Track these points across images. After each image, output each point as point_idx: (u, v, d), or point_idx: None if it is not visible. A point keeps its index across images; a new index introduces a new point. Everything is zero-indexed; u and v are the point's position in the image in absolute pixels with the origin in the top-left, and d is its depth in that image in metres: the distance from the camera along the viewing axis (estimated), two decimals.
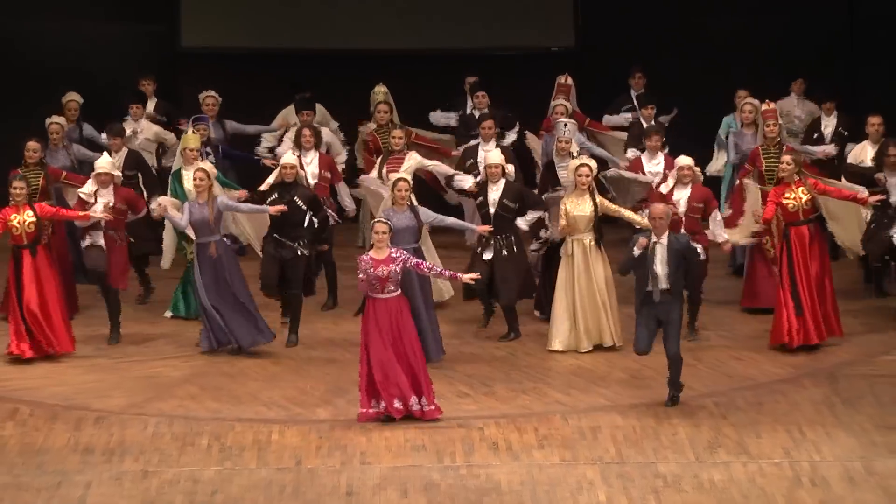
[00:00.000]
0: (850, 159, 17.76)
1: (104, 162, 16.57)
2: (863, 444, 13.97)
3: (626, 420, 14.45)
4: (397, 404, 14.18)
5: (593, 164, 16.32)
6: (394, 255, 14.20)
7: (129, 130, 18.90)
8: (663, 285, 14.28)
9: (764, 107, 17.85)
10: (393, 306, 14.24)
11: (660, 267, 14.27)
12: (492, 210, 16.51)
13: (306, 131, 18.00)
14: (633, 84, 20.27)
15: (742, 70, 20.67)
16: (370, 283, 14.18)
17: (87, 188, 16.57)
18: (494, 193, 16.53)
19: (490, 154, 16.90)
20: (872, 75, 21.19)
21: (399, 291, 14.29)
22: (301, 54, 21.56)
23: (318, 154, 18.02)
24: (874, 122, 17.59)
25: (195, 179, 16.08)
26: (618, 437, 14.13)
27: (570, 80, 19.71)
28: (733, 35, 21.66)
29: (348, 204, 18.13)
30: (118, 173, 16.74)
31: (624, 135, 19.42)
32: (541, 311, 17.24)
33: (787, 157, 16.05)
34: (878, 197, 16.36)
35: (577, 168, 16.11)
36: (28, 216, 15.88)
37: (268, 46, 21.71)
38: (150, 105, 19.97)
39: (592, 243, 16.14)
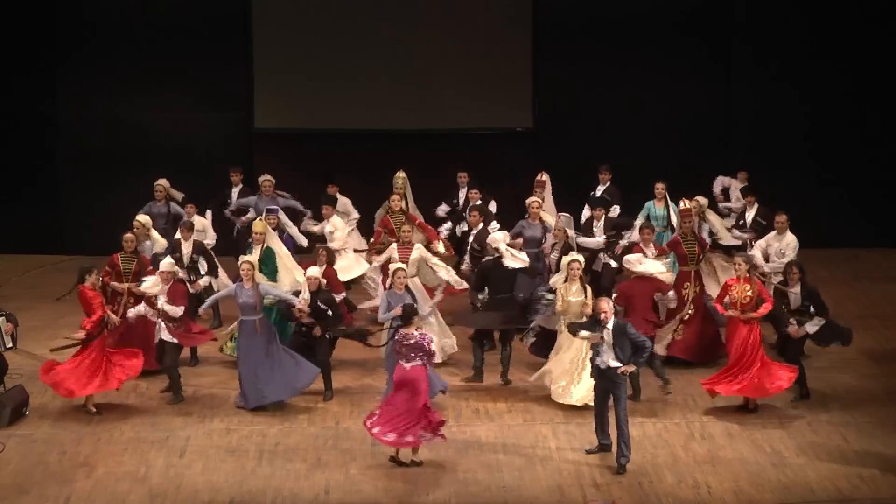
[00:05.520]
0: (773, 254, 16.02)
1: (166, 263, 14.61)
2: (738, 410, 14.10)
3: None
4: (406, 438, 12.84)
5: (582, 259, 14.68)
6: (421, 333, 12.92)
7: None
8: (610, 362, 12.77)
9: (681, 205, 16.20)
10: (412, 374, 12.83)
11: (606, 348, 12.75)
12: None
13: (322, 251, 15.72)
14: (600, 178, 18.33)
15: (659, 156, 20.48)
16: (398, 351, 12.90)
17: (149, 285, 14.75)
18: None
19: (493, 235, 15.37)
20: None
21: (420, 363, 12.86)
22: (340, 133, 21.00)
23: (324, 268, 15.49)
24: (780, 219, 16.09)
25: (243, 270, 14.38)
26: (565, 406, 14.17)
27: (545, 177, 17.82)
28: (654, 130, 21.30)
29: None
30: (177, 271, 14.76)
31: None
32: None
33: (739, 259, 14.43)
34: (794, 330, 14.38)
35: (569, 263, 14.37)
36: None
37: (321, 127, 21.08)
38: (236, 191, 18.53)
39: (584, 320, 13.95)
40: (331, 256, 16.02)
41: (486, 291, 15.15)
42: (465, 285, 15.89)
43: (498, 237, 15.37)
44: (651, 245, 15.95)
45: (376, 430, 12.82)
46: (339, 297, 15.41)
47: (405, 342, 12.85)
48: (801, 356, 14.55)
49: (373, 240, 17.42)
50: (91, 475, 12.59)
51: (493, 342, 15.56)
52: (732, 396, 14.19)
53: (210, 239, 17.33)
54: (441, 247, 16.70)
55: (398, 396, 12.88)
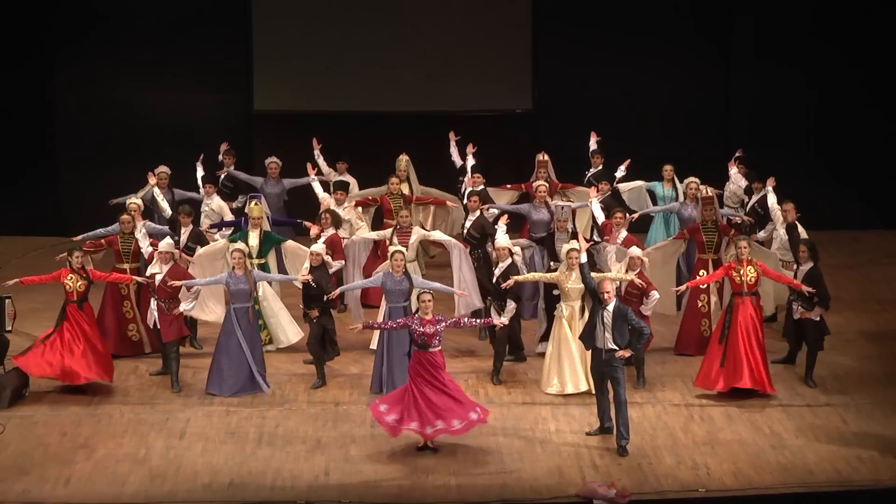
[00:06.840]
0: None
1: (165, 244, 14.59)
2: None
3: None
4: (439, 425, 12.56)
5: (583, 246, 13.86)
6: (437, 317, 12.75)
7: (205, 205, 17.40)
8: (608, 344, 12.68)
9: (704, 193, 15.90)
10: (434, 359, 12.68)
11: (604, 328, 12.65)
12: (494, 280, 14.83)
13: (326, 216, 15.96)
14: (593, 162, 18.29)
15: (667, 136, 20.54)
16: (418, 338, 12.65)
17: (153, 268, 14.69)
18: (498, 270, 14.66)
19: (498, 238, 14.88)
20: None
21: (440, 348, 12.72)
22: (343, 114, 20.95)
23: (331, 232, 15.80)
24: (787, 208, 15.79)
25: (233, 258, 14.23)
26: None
27: (546, 157, 17.49)
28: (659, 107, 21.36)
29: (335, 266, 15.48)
30: (176, 252, 14.86)
31: (588, 191, 16.72)
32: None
33: (743, 243, 14.26)
34: (808, 289, 14.27)
35: (568, 252, 14.10)
36: (81, 278, 14.29)
37: (321, 109, 21.03)
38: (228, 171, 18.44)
39: (578, 308, 14.17)
40: (336, 220, 15.95)
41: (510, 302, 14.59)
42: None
43: (503, 241, 14.84)
44: (622, 230, 15.55)
45: (391, 417, 12.50)
46: (338, 265, 15.45)
47: (424, 329, 12.64)
48: (820, 341, 14.46)
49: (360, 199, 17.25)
50: (91, 457, 12.60)
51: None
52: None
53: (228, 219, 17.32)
54: (456, 205, 17.08)
55: (425, 387, 12.57)
